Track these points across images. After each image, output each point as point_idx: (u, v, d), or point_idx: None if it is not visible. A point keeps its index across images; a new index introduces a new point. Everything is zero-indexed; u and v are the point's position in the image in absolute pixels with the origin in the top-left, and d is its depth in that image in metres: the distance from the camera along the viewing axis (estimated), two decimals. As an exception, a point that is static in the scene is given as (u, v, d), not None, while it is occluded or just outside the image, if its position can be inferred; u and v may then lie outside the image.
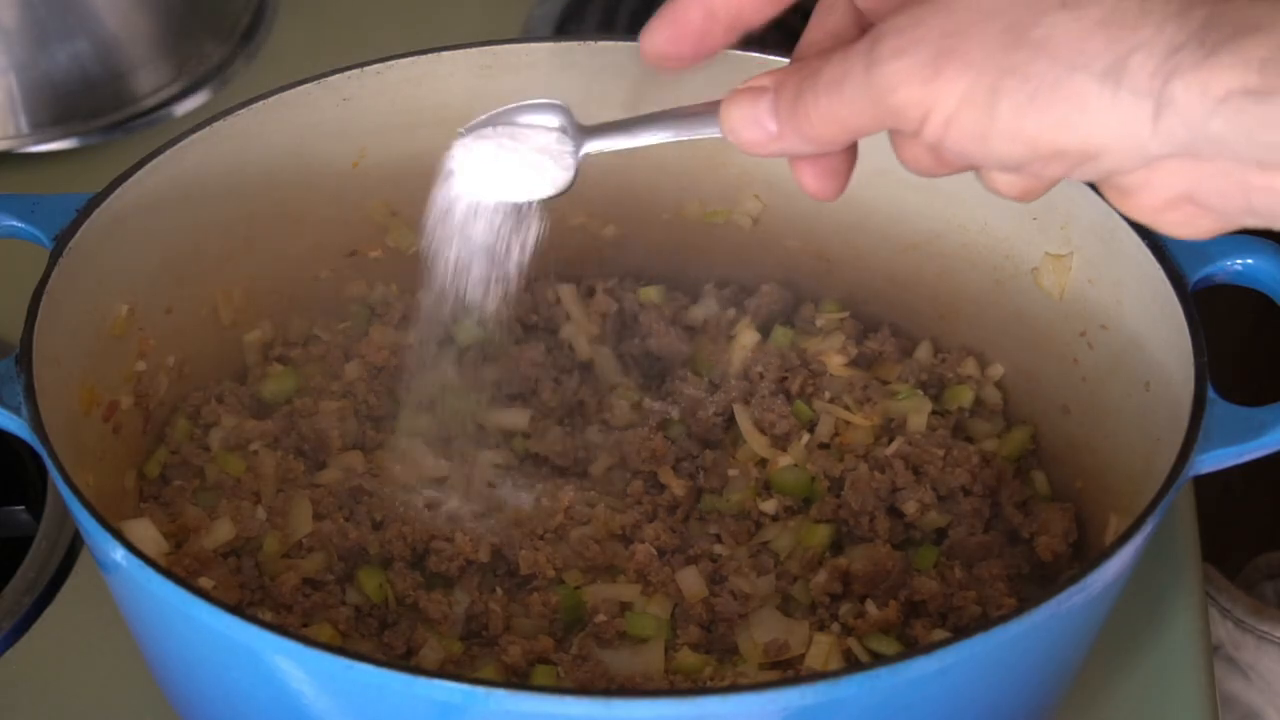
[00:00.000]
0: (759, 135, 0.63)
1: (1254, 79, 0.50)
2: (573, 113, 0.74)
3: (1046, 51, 0.54)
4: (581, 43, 0.89)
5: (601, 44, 0.89)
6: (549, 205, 0.76)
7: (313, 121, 0.87)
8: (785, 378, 0.90)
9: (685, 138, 0.70)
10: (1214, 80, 0.51)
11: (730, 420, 0.89)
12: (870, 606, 0.80)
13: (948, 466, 0.85)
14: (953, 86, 0.55)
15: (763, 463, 0.87)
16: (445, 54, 0.88)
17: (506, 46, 0.89)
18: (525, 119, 0.75)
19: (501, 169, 0.74)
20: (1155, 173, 0.56)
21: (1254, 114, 0.51)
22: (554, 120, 0.74)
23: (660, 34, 0.66)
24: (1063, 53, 0.54)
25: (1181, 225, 0.58)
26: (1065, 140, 0.55)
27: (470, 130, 0.74)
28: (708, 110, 0.67)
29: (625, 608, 0.80)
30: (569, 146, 0.73)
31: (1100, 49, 0.53)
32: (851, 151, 0.65)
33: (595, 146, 0.73)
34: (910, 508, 0.83)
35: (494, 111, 0.74)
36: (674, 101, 0.90)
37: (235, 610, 0.63)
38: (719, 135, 0.66)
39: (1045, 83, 0.54)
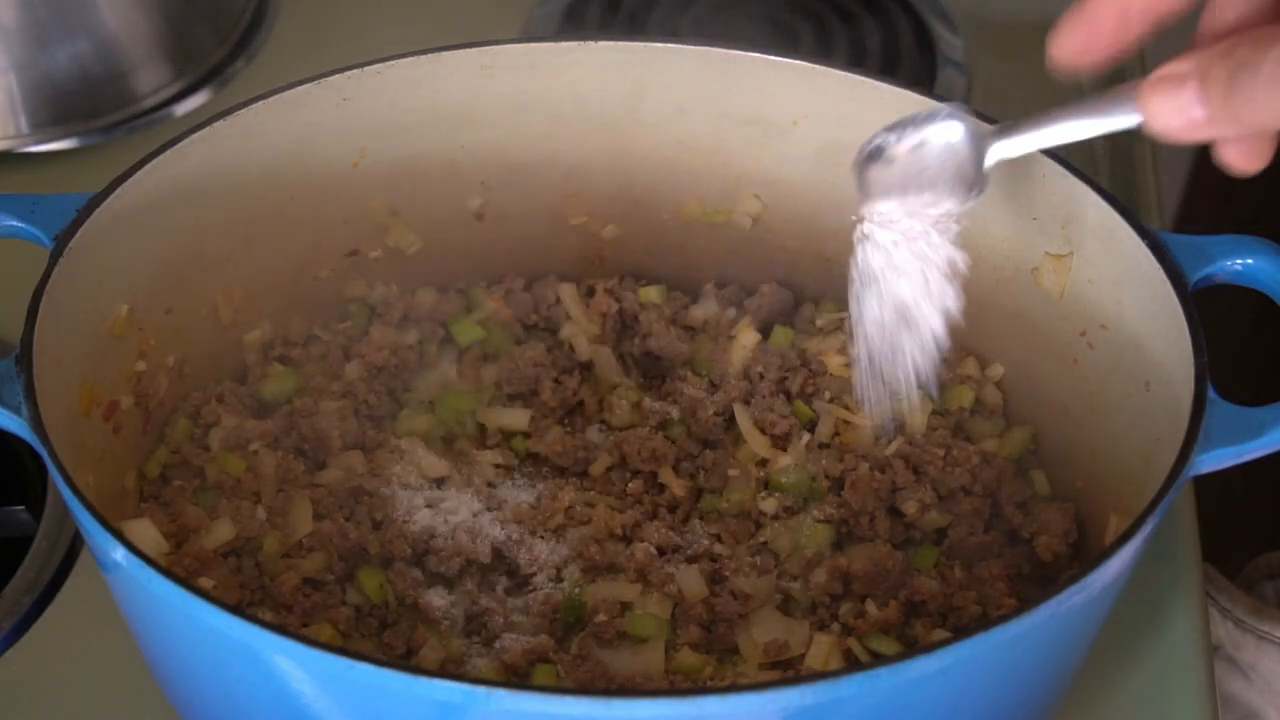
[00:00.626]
0: (1184, 123, 0.63)
1: None
2: (969, 115, 0.71)
3: None
4: (581, 43, 0.89)
5: (602, 44, 0.89)
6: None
7: (313, 121, 0.87)
8: (785, 378, 0.90)
9: (1101, 130, 0.69)
10: None
11: (730, 420, 0.89)
12: (870, 606, 0.80)
13: (948, 466, 0.85)
14: None
15: (763, 463, 0.87)
16: (445, 54, 0.88)
17: (506, 46, 0.89)
18: (923, 134, 0.73)
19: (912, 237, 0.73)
20: None
21: None
22: (955, 130, 0.72)
23: (1073, 35, 0.66)
24: None
25: None
26: None
27: (867, 163, 0.73)
28: (1119, 98, 0.67)
29: (625, 608, 0.80)
30: (971, 154, 0.72)
31: None
32: None
33: (1004, 151, 0.71)
34: (910, 508, 0.84)
35: (887, 131, 0.72)
36: (674, 101, 0.91)
37: (235, 610, 0.63)
38: (1135, 124, 0.66)
39: None
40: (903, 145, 0.74)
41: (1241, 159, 0.66)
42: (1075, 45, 0.66)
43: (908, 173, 0.73)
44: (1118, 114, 0.68)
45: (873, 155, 0.74)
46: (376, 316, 0.94)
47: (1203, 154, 1.73)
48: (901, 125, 0.74)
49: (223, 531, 0.82)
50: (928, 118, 0.74)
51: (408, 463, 0.87)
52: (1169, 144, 0.64)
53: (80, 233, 0.78)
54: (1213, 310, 0.78)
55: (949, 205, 0.74)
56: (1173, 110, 0.63)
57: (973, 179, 0.73)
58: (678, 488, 0.87)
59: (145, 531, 0.79)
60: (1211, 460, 0.71)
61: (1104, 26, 0.65)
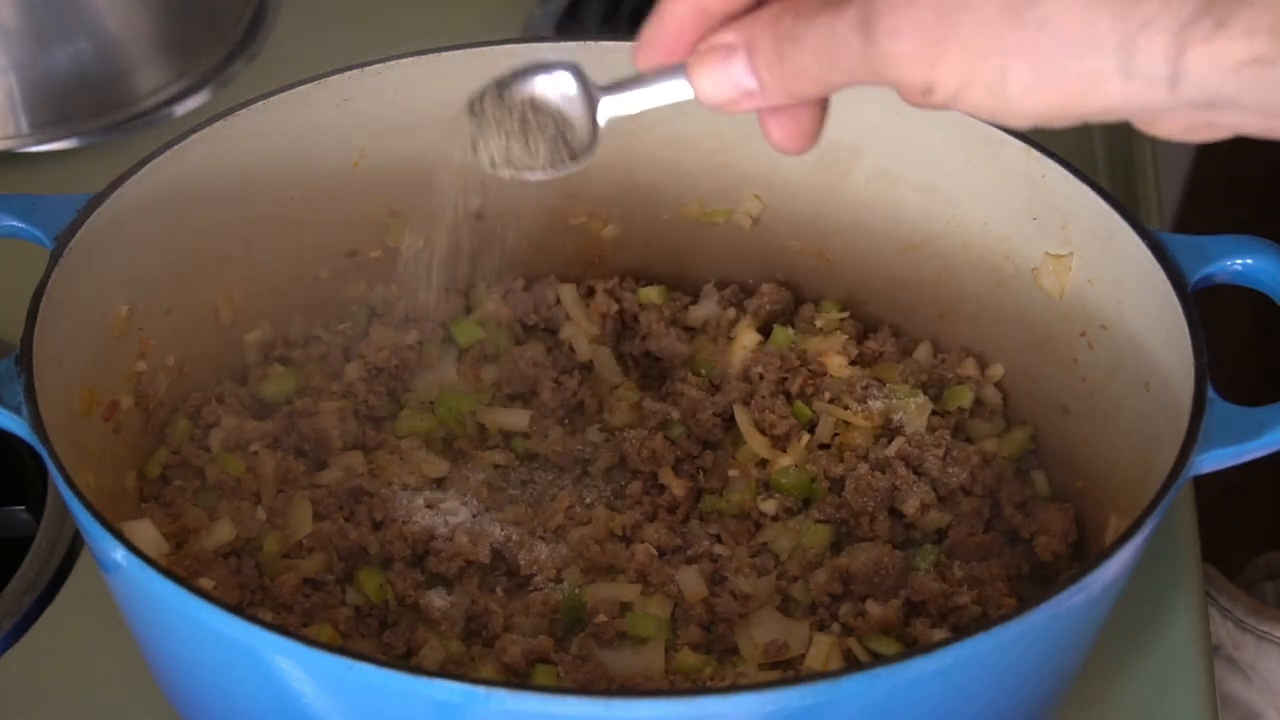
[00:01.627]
0: (735, 93, 0.62)
1: (1263, 46, 0.51)
2: (586, 72, 0.69)
3: (1049, 32, 0.53)
4: (581, 43, 0.89)
5: (602, 44, 0.89)
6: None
7: (313, 121, 0.87)
8: (785, 378, 0.90)
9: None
10: (1226, 51, 0.52)
11: (730, 421, 0.89)
12: (870, 606, 0.80)
13: (948, 467, 0.85)
14: (956, 69, 0.55)
15: (763, 463, 0.87)
16: (445, 54, 0.88)
17: (506, 46, 0.89)
18: (536, 85, 0.70)
19: (515, 158, 0.71)
20: (1175, 112, 0.56)
21: (1267, 78, 0.52)
22: (569, 85, 0.69)
23: (656, 42, 0.65)
24: (1067, 33, 0.53)
25: (1209, 135, 0.58)
26: (1082, 109, 0.55)
27: (477, 110, 0.70)
28: None
29: (625, 608, 0.80)
30: (584, 111, 0.69)
31: (1107, 28, 0.53)
32: (824, 103, 0.64)
33: (614, 107, 0.69)
34: (910, 508, 0.83)
35: (500, 77, 0.69)
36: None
37: (235, 610, 0.63)
38: None
39: (1054, 65, 0.54)
40: (519, 92, 0.71)
41: (782, 135, 0.64)
42: (659, 51, 0.65)
43: (523, 120, 0.72)
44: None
45: (484, 98, 0.71)
46: (376, 316, 0.94)
47: (1203, 154, 1.73)
48: (519, 72, 0.70)
49: (223, 532, 0.82)
50: (542, 68, 0.70)
51: (408, 463, 0.87)
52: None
53: (80, 233, 0.78)
54: (1213, 310, 0.78)
55: (553, 166, 0.72)
56: (724, 80, 0.62)
57: (586, 141, 0.71)
58: (678, 488, 0.87)
59: (145, 532, 0.79)
60: (1211, 460, 0.71)
61: (686, 24, 0.64)
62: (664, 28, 0.64)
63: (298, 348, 0.93)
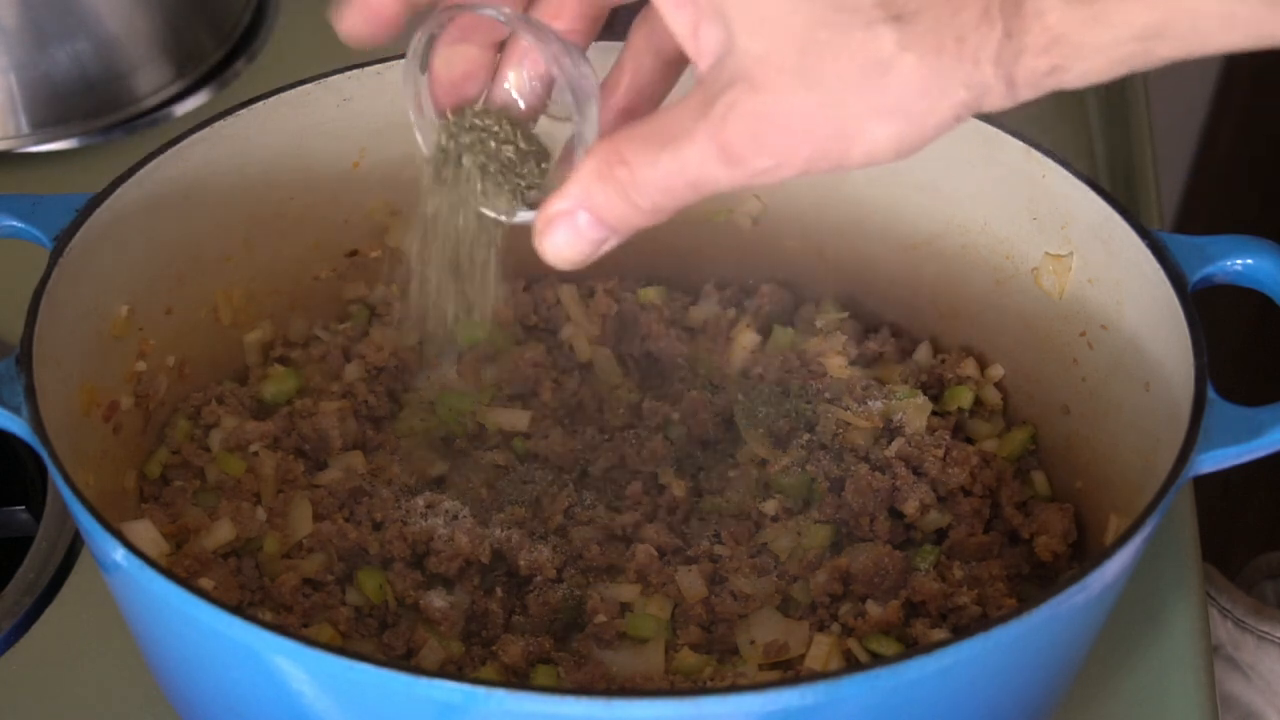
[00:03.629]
0: (592, 247, 0.63)
1: (1056, 58, 0.55)
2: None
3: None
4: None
5: (601, 44, 0.88)
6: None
7: (313, 121, 0.87)
8: (785, 378, 0.90)
9: None
10: (1034, 67, 0.55)
11: (730, 421, 0.89)
12: (870, 606, 0.80)
13: (948, 467, 0.85)
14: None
15: (763, 463, 0.87)
16: (445, 54, 0.88)
17: (506, 46, 0.88)
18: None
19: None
20: None
21: (1071, 77, 0.56)
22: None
23: (356, 14, 0.65)
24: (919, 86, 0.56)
25: None
26: (931, 137, 0.59)
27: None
28: None
29: (625, 608, 0.80)
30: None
31: (950, 71, 0.56)
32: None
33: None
34: (910, 508, 0.84)
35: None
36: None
37: (235, 610, 0.63)
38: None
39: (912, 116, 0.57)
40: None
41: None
42: (359, 24, 0.65)
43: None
44: None
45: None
46: (376, 317, 0.94)
47: (1203, 154, 1.73)
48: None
49: (223, 532, 0.82)
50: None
51: (408, 463, 0.87)
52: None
53: (80, 233, 0.78)
54: (1213, 310, 0.78)
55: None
56: (578, 241, 0.62)
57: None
58: (677, 489, 0.87)
59: (145, 532, 0.79)
60: (1211, 460, 0.71)
61: (383, 13, 0.65)
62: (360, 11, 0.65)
63: (298, 348, 0.93)
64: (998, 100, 0.57)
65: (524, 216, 0.69)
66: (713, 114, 0.57)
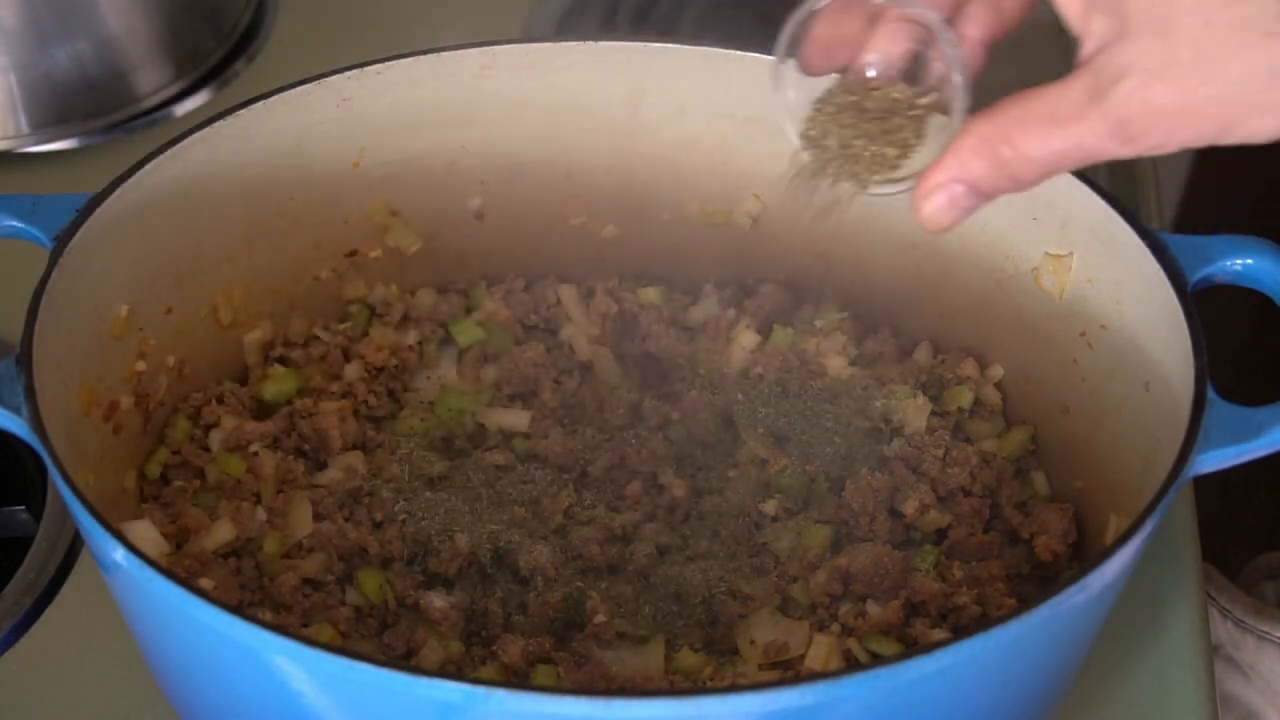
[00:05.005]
0: (962, 214, 0.68)
1: None
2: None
3: None
4: (581, 43, 0.89)
5: (602, 44, 0.89)
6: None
7: (313, 121, 0.87)
8: (785, 378, 0.90)
9: None
10: None
11: (730, 421, 0.89)
12: (870, 607, 0.80)
13: (947, 467, 0.85)
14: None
15: (763, 463, 0.87)
16: (445, 54, 0.88)
17: (506, 46, 0.89)
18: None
19: None
20: None
21: None
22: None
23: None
24: None
25: None
26: None
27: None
28: None
29: (625, 608, 0.80)
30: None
31: None
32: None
33: None
34: (910, 508, 0.84)
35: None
36: (674, 101, 0.91)
37: (235, 610, 0.63)
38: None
39: None
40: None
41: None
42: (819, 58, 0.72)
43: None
44: None
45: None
46: (376, 317, 0.94)
47: (1203, 154, 1.73)
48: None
49: (223, 532, 0.82)
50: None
51: (408, 463, 0.87)
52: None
53: (80, 233, 0.78)
54: (1213, 310, 0.78)
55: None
56: (952, 210, 0.68)
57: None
58: (677, 489, 0.87)
59: (145, 532, 0.79)
60: (1211, 460, 0.71)
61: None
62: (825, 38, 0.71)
63: (298, 348, 0.93)
64: None
65: (886, 189, 0.73)
66: (1110, 99, 0.62)
